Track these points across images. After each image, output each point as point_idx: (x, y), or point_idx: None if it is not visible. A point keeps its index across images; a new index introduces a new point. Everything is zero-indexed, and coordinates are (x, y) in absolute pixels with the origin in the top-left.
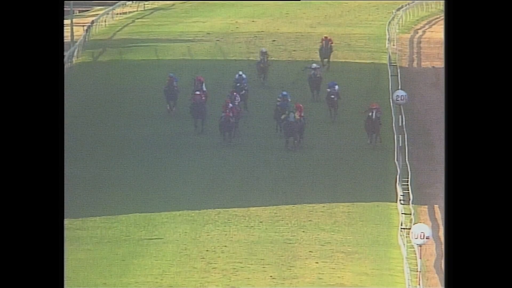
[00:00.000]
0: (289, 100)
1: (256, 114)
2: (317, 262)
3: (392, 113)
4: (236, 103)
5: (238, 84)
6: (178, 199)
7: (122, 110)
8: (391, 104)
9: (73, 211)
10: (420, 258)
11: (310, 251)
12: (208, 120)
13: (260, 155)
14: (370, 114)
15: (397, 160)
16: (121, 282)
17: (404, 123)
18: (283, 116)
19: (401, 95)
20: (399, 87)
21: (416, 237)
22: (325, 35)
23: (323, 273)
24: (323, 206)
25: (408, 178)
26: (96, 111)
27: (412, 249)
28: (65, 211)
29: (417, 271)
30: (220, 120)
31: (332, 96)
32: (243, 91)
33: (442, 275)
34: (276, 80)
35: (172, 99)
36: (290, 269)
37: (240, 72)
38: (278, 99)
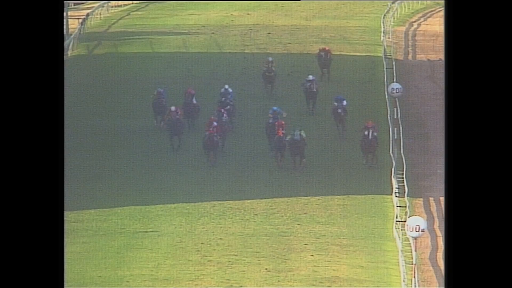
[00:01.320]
0: (284, 115)
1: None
2: (312, 255)
3: (387, 105)
4: (223, 120)
5: (223, 99)
6: (173, 192)
7: (117, 102)
8: (386, 96)
9: (69, 203)
10: (415, 250)
11: (305, 244)
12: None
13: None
14: (366, 133)
15: (392, 152)
16: (116, 275)
17: (399, 115)
18: (288, 137)
19: (396, 88)
20: (394, 80)
21: (411, 229)
22: (323, 46)
23: (318, 266)
24: (318, 199)
25: (403, 171)
26: (91, 103)
27: (407, 242)
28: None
29: (412, 264)
30: (203, 139)
31: (339, 111)
32: (229, 106)
33: (437, 268)
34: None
35: (160, 114)
36: (285, 261)
37: (226, 86)
38: (270, 114)
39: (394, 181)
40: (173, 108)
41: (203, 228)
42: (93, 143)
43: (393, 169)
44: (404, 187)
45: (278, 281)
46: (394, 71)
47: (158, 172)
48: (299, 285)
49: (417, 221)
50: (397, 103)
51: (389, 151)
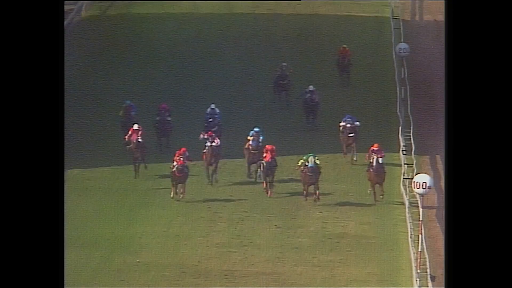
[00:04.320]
0: (260, 138)
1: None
2: (321, 212)
3: (395, 65)
4: (214, 146)
5: (210, 120)
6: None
7: (129, 63)
8: (394, 56)
9: (83, 161)
10: (422, 207)
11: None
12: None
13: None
14: (371, 160)
15: (399, 111)
16: (128, 232)
17: (406, 75)
18: (300, 162)
19: (404, 48)
20: (402, 40)
21: (418, 187)
22: (343, 45)
23: (326, 222)
24: (327, 157)
25: (410, 129)
26: (103, 64)
27: (414, 199)
28: (74, 161)
29: (419, 221)
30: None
31: (351, 135)
32: (216, 127)
33: (443, 224)
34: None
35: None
36: (294, 218)
37: (213, 106)
38: (249, 137)
39: (401, 139)
40: (136, 126)
41: (214, 186)
42: (106, 103)
43: (400, 128)
44: (411, 145)
45: (288, 237)
46: (402, 32)
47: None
48: (308, 241)
49: (424, 179)
50: (404, 63)
51: (396, 110)
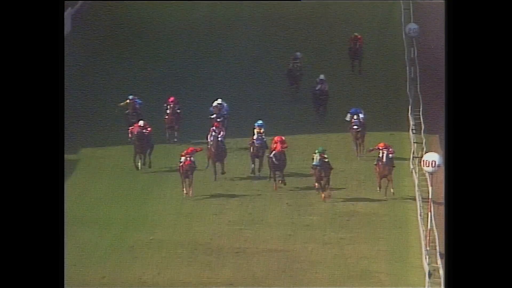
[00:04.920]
0: (262, 130)
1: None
2: (331, 190)
3: (405, 45)
4: (219, 139)
5: (216, 115)
6: (197, 130)
7: (139, 44)
8: (403, 36)
9: (96, 140)
10: (431, 185)
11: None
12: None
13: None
14: (380, 155)
15: (409, 91)
16: (141, 210)
17: (416, 54)
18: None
19: (413, 28)
20: (411, 21)
21: (427, 165)
22: (355, 33)
23: (337, 200)
24: (338, 136)
25: (420, 108)
26: (115, 45)
27: (424, 177)
28: (86, 140)
29: (428, 199)
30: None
31: (355, 127)
32: (222, 118)
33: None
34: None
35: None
36: (305, 196)
37: (220, 100)
38: (256, 128)
39: (411, 118)
40: (141, 123)
41: (226, 165)
42: (118, 85)
43: (410, 107)
44: (420, 124)
45: (298, 215)
46: (411, 12)
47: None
48: (319, 219)
49: (433, 157)
50: (414, 43)
51: (406, 89)
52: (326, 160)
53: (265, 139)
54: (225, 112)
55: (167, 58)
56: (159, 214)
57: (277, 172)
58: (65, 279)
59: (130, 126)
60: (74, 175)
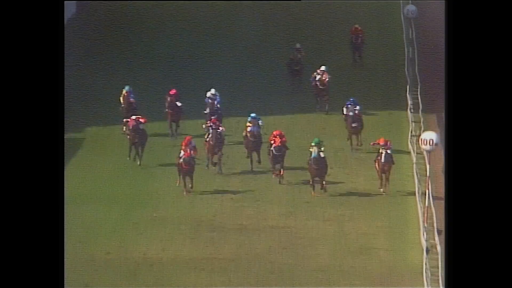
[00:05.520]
0: (260, 123)
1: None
2: (331, 168)
3: (403, 26)
4: (219, 132)
5: (210, 104)
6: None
7: (144, 25)
8: (402, 18)
9: (99, 119)
10: (429, 164)
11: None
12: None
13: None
14: (380, 152)
15: (407, 71)
16: (145, 188)
17: (414, 35)
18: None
19: (412, 10)
20: (410, 2)
21: (425, 143)
22: (355, 26)
23: (337, 178)
24: (338, 114)
25: (418, 88)
26: (124, 25)
27: (422, 155)
28: (92, 119)
29: (426, 176)
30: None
31: (354, 125)
32: (217, 113)
33: None
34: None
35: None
36: (306, 175)
37: (213, 90)
38: (249, 123)
39: (409, 97)
40: (135, 116)
41: (231, 141)
42: (130, 63)
43: (408, 87)
44: (418, 104)
45: (299, 192)
46: None
47: (184, 87)
48: (319, 196)
49: (431, 136)
50: (412, 24)
51: (405, 70)
52: (323, 156)
53: (260, 132)
54: (218, 106)
55: (160, 56)
56: (162, 191)
57: (277, 165)
58: (65, 257)
59: (124, 119)
60: (79, 153)
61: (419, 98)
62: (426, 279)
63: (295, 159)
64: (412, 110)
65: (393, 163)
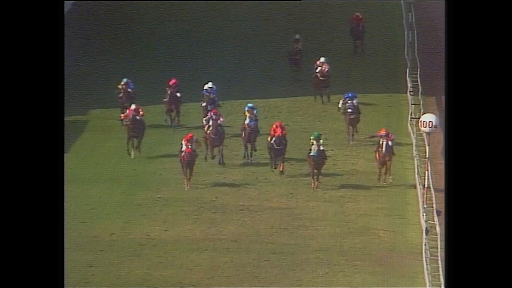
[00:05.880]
0: (255, 111)
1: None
2: (332, 150)
3: (403, 10)
4: (219, 123)
5: (208, 97)
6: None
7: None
8: (402, 1)
9: (103, 101)
10: (428, 145)
11: (326, 139)
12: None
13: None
14: (380, 143)
15: (407, 54)
16: (149, 169)
17: (413, 19)
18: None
19: None
20: None
21: (424, 126)
22: (356, 13)
23: (337, 160)
24: (338, 97)
25: (417, 71)
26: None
27: (421, 137)
28: (96, 101)
29: (425, 158)
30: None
31: (350, 110)
32: (214, 105)
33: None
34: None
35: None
36: (307, 156)
37: (210, 84)
38: (246, 112)
39: (409, 80)
40: (134, 106)
41: (232, 124)
42: (131, 44)
43: (408, 70)
44: (418, 86)
45: (300, 174)
46: None
47: (186, 70)
48: (320, 177)
49: (430, 118)
50: (412, 8)
51: (404, 53)
52: (322, 148)
53: (258, 123)
54: (216, 99)
55: (160, 45)
56: (166, 172)
57: (278, 158)
58: (69, 237)
59: (122, 110)
60: (83, 135)
61: (419, 81)
62: (426, 259)
63: (296, 142)
64: (411, 93)
65: (394, 154)
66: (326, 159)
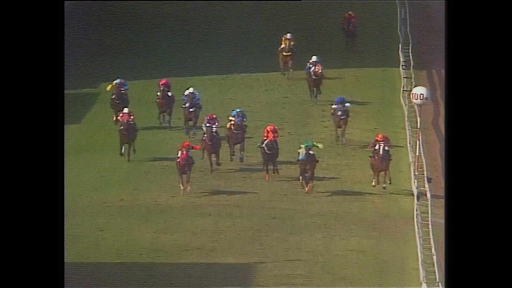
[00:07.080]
0: (244, 120)
1: None
2: (329, 120)
3: None
4: (213, 130)
5: (188, 104)
6: (207, 64)
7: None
8: None
9: (115, 75)
10: (420, 116)
11: (323, 110)
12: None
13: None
14: (377, 148)
15: (399, 30)
16: (156, 139)
17: None
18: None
19: None
20: None
21: (416, 98)
22: (349, 12)
23: (333, 131)
24: (334, 71)
25: (409, 46)
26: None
27: (413, 109)
28: (107, 75)
29: (417, 128)
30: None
31: (339, 113)
32: (195, 109)
33: (439, 132)
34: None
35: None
36: (305, 126)
37: (191, 89)
38: (231, 117)
39: (401, 55)
40: (126, 110)
41: (233, 97)
42: (134, 21)
43: (400, 45)
44: (410, 61)
45: (299, 143)
46: None
47: (192, 47)
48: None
49: (421, 91)
50: None
51: (397, 29)
52: (312, 152)
53: (243, 122)
54: (197, 101)
55: (157, 43)
56: (173, 142)
57: (269, 162)
58: (81, 204)
59: (116, 112)
60: (94, 107)
61: (411, 55)
62: (417, 224)
63: (292, 129)
64: (404, 67)
65: (390, 159)
66: (317, 162)
